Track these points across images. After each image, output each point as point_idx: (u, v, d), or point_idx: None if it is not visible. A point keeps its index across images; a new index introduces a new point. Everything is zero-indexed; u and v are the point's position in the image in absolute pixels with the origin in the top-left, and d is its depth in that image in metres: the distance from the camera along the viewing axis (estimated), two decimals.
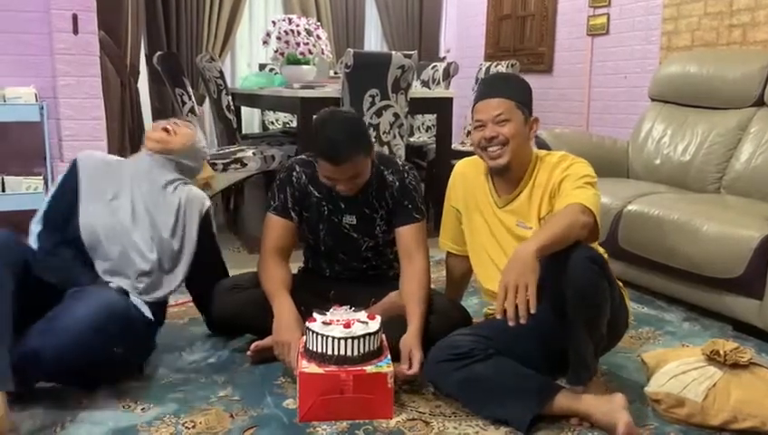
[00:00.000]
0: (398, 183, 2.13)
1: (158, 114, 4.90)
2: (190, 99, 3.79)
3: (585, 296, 1.67)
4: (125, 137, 4.35)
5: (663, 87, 3.51)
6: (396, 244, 2.17)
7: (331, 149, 1.94)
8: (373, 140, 3.33)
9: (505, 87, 1.95)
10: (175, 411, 1.81)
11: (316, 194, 2.15)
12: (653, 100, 3.58)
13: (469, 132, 4.47)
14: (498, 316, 1.64)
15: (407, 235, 2.11)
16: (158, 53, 4.03)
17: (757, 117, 3.06)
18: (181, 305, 2.67)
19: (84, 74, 2.68)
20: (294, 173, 2.17)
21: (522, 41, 5.24)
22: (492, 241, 2.03)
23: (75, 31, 2.64)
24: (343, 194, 2.07)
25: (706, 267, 2.44)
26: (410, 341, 1.91)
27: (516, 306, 1.59)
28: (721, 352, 1.79)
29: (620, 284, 1.96)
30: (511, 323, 1.60)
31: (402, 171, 2.15)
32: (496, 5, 5.47)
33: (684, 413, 1.76)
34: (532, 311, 1.59)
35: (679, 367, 1.82)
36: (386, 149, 3.35)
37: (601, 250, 2.02)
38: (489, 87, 1.97)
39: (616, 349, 2.07)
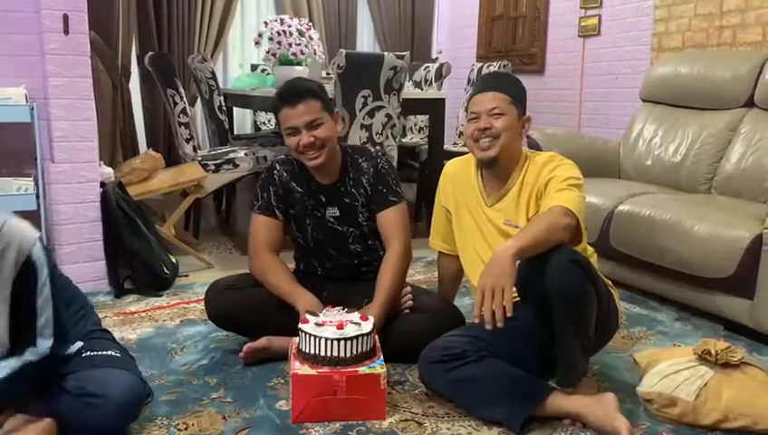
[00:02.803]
0: (372, 169, 2.17)
1: (149, 115, 4.88)
2: (182, 99, 3.77)
3: (568, 299, 1.68)
4: (116, 138, 4.34)
5: (654, 88, 3.53)
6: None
7: (289, 90, 2.08)
8: (365, 140, 3.34)
9: (502, 83, 1.99)
10: (167, 413, 1.80)
11: (298, 189, 2.18)
12: (644, 100, 3.60)
13: (461, 133, 4.48)
14: (476, 320, 1.65)
15: (384, 219, 2.16)
16: (150, 53, 4.01)
17: (747, 118, 3.08)
18: (173, 307, 2.66)
19: (75, 75, 2.66)
20: (275, 172, 2.20)
21: (514, 42, 5.25)
22: (481, 240, 2.04)
23: (66, 31, 2.63)
24: (313, 164, 2.08)
25: (698, 267, 2.45)
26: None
27: (494, 310, 1.61)
28: (712, 352, 1.80)
29: (610, 283, 1.97)
30: (488, 327, 1.62)
31: (375, 157, 2.20)
32: (488, 6, 5.48)
33: (676, 413, 1.77)
34: (509, 314, 1.61)
35: (671, 367, 1.82)
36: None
37: (591, 250, 2.03)
38: (486, 82, 2.01)
39: (608, 349, 2.08)
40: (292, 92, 2.07)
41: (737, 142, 3.04)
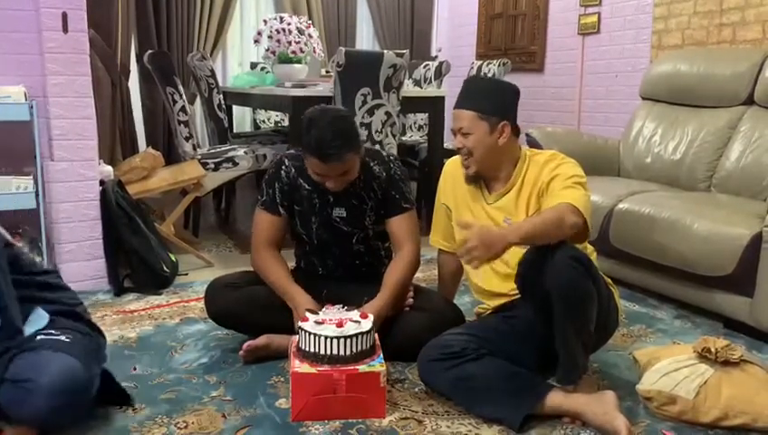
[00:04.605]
0: (384, 174, 2.15)
1: (149, 113, 4.88)
2: (181, 98, 3.77)
3: (569, 296, 1.68)
4: (116, 136, 4.34)
5: (654, 86, 3.53)
6: (387, 238, 2.21)
7: (322, 148, 1.94)
8: (365, 138, 3.33)
9: (470, 98, 1.97)
10: (167, 412, 1.80)
11: (306, 187, 2.16)
12: (644, 98, 3.59)
13: None
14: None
15: (396, 225, 2.16)
16: (149, 51, 4.01)
17: (747, 116, 3.08)
18: (173, 306, 2.66)
19: (74, 73, 2.66)
20: (284, 167, 2.18)
21: (513, 40, 5.25)
22: None
23: (65, 29, 2.62)
24: (333, 190, 2.08)
25: (697, 265, 2.45)
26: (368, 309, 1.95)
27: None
28: (712, 350, 1.80)
29: (610, 281, 1.97)
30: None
31: (388, 162, 2.18)
32: (488, 4, 5.47)
33: (675, 411, 1.77)
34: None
35: (671, 365, 1.82)
36: (378, 148, 3.34)
37: (590, 248, 2.03)
38: (459, 97, 2.00)
39: (608, 347, 2.08)
40: (329, 151, 1.93)
41: (737, 140, 3.04)
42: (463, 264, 1.86)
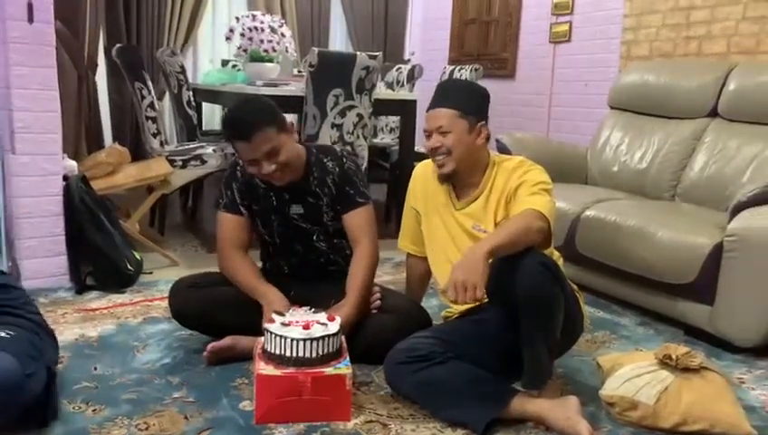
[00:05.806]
0: (337, 169, 2.14)
1: (116, 108, 4.79)
2: (150, 93, 3.71)
3: (537, 301, 1.70)
4: (81, 130, 4.26)
5: (622, 95, 3.58)
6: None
7: (237, 125, 1.98)
8: (336, 139, 3.32)
9: (449, 97, 1.98)
10: (127, 413, 1.76)
11: (261, 185, 2.15)
12: (612, 108, 3.65)
13: None
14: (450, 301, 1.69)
15: (351, 220, 2.15)
16: (118, 45, 3.94)
17: (711, 127, 3.14)
18: (136, 305, 2.61)
19: (39, 65, 2.60)
20: (239, 167, 2.17)
21: (486, 46, 5.29)
22: (449, 242, 2.05)
23: (30, 20, 2.57)
24: (279, 184, 2.06)
25: (660, 273, 2.49)
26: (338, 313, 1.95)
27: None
28: (673, 357, 1.83)
29: (576, 287, 2.00)
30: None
31: (341, 157, 2.17)
32: (462, 10, 5.51)
33: (636, 416, 1.79)
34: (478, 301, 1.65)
35: (633, 370, 1.85)
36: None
37: (556, 254, 2.05)
38: (435, 97, 2.01)
39: (571, 352, 2.11)
40: (244, 127, 1.95)
41: (701, 151, 3.10)
42: (447, 300, 1.85)
